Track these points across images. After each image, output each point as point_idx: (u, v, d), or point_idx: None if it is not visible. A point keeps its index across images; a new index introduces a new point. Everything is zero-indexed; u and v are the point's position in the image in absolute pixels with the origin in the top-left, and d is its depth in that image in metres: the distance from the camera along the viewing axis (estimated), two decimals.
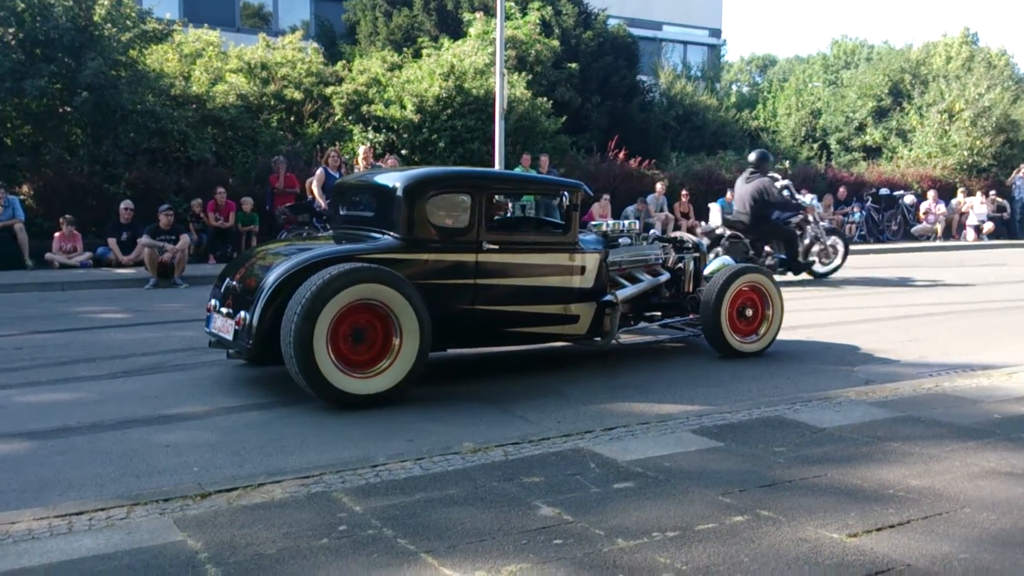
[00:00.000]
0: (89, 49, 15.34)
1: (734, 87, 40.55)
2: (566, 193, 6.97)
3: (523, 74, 20.82)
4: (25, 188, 15.78)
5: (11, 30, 15.08)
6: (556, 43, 22.78)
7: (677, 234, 8.60)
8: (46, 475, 4.46)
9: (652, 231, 8.53)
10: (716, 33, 41.63)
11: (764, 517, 3.58)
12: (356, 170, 14.53)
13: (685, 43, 40.25)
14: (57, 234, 14.55)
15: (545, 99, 20.79)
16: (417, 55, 21.62)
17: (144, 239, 13.20)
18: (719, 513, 3.63)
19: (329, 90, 19.70)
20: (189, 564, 3.16)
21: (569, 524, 3.52)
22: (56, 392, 6.32)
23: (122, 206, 14.69)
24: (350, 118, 19.57)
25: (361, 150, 15.57)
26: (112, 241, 14.56)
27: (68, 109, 15.91)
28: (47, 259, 14.30)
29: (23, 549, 3.31)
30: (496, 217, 7.15)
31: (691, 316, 7.83)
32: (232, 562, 3.18)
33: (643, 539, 3.36)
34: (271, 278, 5.90)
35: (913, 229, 24.07)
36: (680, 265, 8.05)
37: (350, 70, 20.68)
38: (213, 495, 3.86)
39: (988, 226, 24.33)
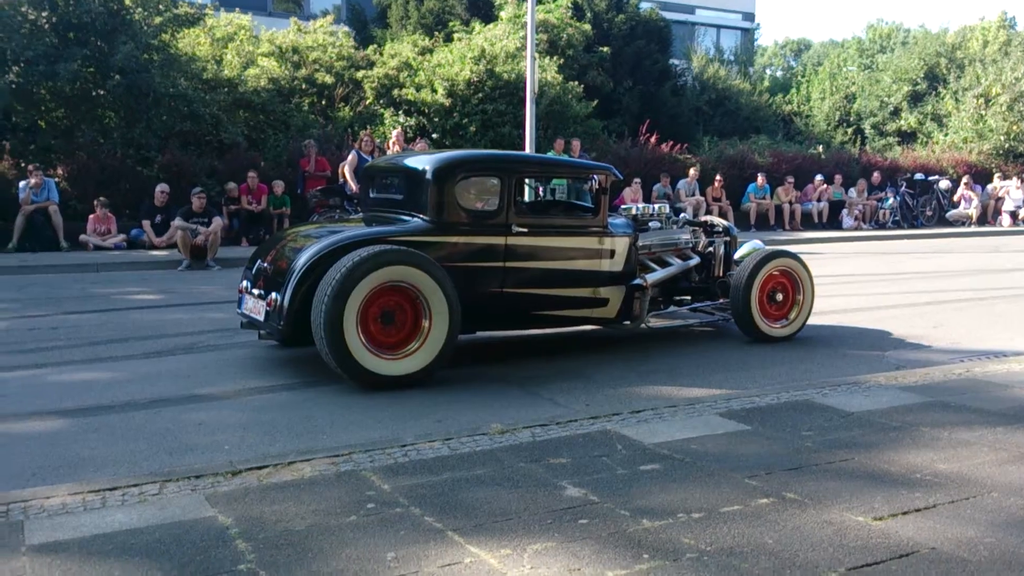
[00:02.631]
0: (121, 33, 15.48)
1: (768, 71, 40.25)
2: (595, 177, 6.95)
3: (554, 58, 20.77)
4: (59, 171, 15.95)
5: (44, 14, 15.24)
6: (588, 27, 22.69)
7: (707, 218, 8.57)
8: (80, 452, 4.54)
9: (682, 215, 8.49)
10: (750, 17, 41.30)
11: (790, 500, 3.58)
12: (388, 153, 14.59)
13: (718, 27, 39.98)
14: (91, 216, 14.71)
15: (576, 83, 20.72)
16: (448, 39, 21.61)
17: (177, 221, 13.33)
18: (745, 495, 3.63)
19: (360, 74, 19.76)
20: (220, 539, 3.22)
21: (595, 504, 3.54)
22: (90, 371, 6.42)
23: (158, 189, 14.82)
24: (381, 102, 19.63)
25: (394, 134, 15.63)
26: (146, 223, 14.70)
27: (101, 92, 16.07)
28: (81, 241, 14.46)
29: (57, 523, 3.38)
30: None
31: (721, 300, 7.80)
32: (262, 537, 3.22)
33: (668, 520, 3.37)
34: (302, 260, 5.94)
35: (948, 214, 23.80)
36: (710, 249, 8.02)
37: (381, 54, 20.73)
38: (244, 472, 3.91)
39: None
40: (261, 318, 6.14)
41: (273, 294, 5.99)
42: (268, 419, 5.16)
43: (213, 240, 13.23)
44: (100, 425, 5.02)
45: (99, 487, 3.73)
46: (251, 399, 5.65)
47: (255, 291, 6.33)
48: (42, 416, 5.19)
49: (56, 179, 15.34)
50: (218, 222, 13.49)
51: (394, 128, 17.12)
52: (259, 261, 6.57)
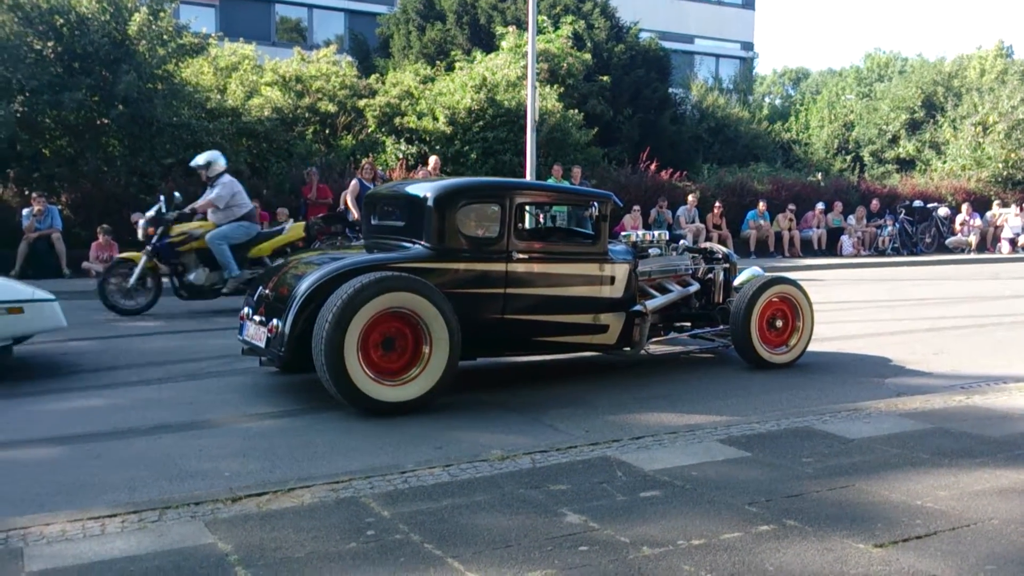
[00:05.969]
0: (125, 63, 15.59)
1: (766, 99, 40.43)
2: (595, 203, 6.97)
3: (555, 87, 20.88)
4: (63, 198, 16.05)
5: (50, 44, 15.36)
6: (588, 56, 22.82)
7: (707, 245, 8.59)
8: (81, 479, 4.54)
9: (682, 241, 8.52)
10: (748, 46, 41.57)
11: (790, 527, 3.58)
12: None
13: (717, 56, 40.25)
14: (94, 243, 14.75)
15: (576, 111, 20.82)
16: (450, 68, 21.75)
17: None
18: (745, 522, 3.63)
19: (362, 103, 19.85)
20: (219, 566, 3.22)
21: (595, 531, 3.54)
22: (92, 398, 6.42)
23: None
24: (383, 130, 19.72)
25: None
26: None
27: (105, 121, 16.17)
28: (84, 268, 14.49)
29: (56, 550, 3.38)
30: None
31: (721, 327, 7.81)
32: (261, 564, 3.22)
33: (668, 547, 3.37)
34: (303, 286, 5.96)
35: (947, 242, 23.87)
36: (710, 276, 8.04)
37: (383, 83, 20.84)
38: (244, 499, 3.91)
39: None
40: (262, 344, 6.15)
41: (274, 321, 6.00)
42: (268, 445, 5.16)
43: None
44: (101, 451, 5.02)
45: (99, 514, 3.73)
46: (252, 425, 5.65)
47: (256, 318, 6.35)
48: (42, 443, 5.20)
49: (59, 207, 15.43)
50: None
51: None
52: (261, 288, 6.59)
